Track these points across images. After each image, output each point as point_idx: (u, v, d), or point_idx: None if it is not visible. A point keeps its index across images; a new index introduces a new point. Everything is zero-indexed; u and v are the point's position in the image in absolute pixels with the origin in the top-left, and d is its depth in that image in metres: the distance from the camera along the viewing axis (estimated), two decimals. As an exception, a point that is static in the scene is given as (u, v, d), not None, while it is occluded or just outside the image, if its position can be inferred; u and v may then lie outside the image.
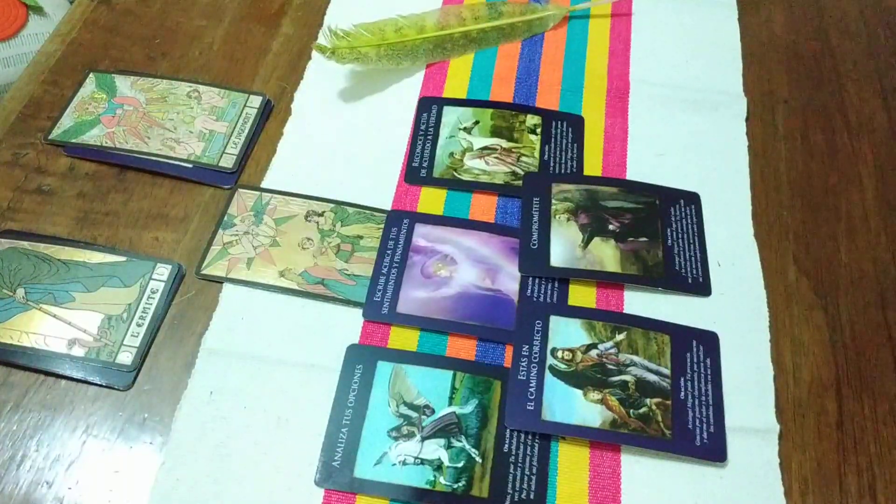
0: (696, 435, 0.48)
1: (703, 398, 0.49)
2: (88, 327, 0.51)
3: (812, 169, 0.63)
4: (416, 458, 0.47)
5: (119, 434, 0.48)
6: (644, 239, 0.57)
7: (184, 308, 0.53)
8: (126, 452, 0.47)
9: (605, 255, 0.56)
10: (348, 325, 0.52)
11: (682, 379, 0.50)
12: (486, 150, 0.62)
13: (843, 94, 0.68)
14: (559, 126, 0.64)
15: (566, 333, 0.52)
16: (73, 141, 0.61)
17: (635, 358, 0.51)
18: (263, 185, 0.60)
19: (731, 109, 0.66)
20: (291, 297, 0.54)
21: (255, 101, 0.65)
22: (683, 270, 0.56)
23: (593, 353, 0.51)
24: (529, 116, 0.64)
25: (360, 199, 0.59)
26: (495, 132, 0.63)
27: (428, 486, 0.46)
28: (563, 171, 0.61)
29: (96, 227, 0.57)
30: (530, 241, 0.56)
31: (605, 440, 0.48)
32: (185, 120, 0.63)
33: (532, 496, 0.46)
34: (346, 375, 0.50)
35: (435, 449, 0.47)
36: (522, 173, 0.61)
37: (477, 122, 0.64)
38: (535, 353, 0.51)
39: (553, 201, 0.58)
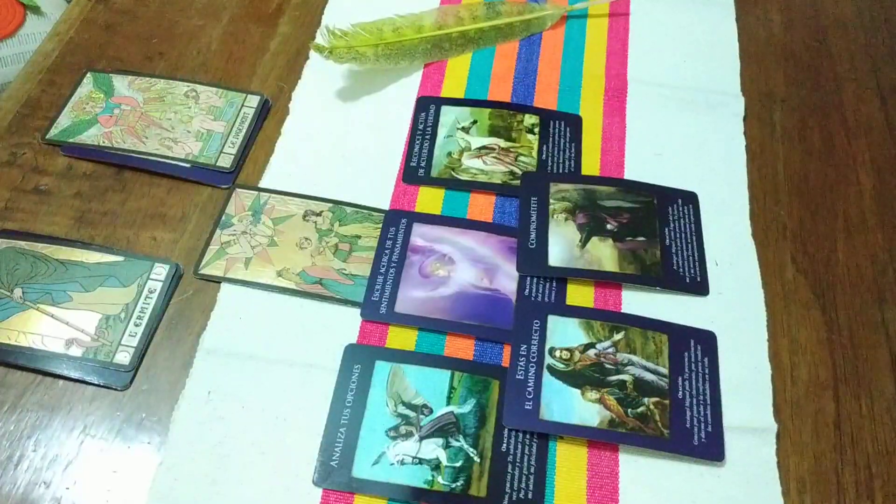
0: (693, 434, 0.48)
1: (701, 397, 0.50)
2: (86, 327, 0.51)
3: (809, 168, 0.63)
4: (414, 457, 0.47)
5: (117, 434, 0.48)
6: (642, 238, 0.57)
7: (181, 308, 0.53)
8: (124, 452, 0.47)
9: (603, 254, 0.56)
10: (346, 324, 0.52)
11: (680, 378, 0.50)
12: (484, 150, 0.62)
13: (840, 94, 0.68)
14: (557, 125, 0.64)
15: (564, 333, 0.52)
16: (71, 140, 0.61)
17: (633, 357, 0.51)
18: (261, 184, 0.60)
19: (728, 109, 0.66)
20: (289, 296, 0.53)
21: (253, 100, 0.65)
22: (681, 270, 0.56)
23: (591, 352, 0.51)
24: (527, 116, 0.64)
25: (358, 199, 0.59)
26: (493, 132, 0.63)
27: (426, 486, 0.46)
28: (560, 170, 0.61)
29: (94, 226, 0.57)
30: (528, 241, 0.56)
31: (603, 439, 0.48)
32: (183, 119, 0.63)
33: (530, 496, 0.46)
34: (344, 375, 0.50)
35: (433, 448, 0.47)
36: (520, 173, 0.61)
37: (475, 122, 0.64)
38: (534, 352, 0.51)
39: (551, 201, 0.58)
